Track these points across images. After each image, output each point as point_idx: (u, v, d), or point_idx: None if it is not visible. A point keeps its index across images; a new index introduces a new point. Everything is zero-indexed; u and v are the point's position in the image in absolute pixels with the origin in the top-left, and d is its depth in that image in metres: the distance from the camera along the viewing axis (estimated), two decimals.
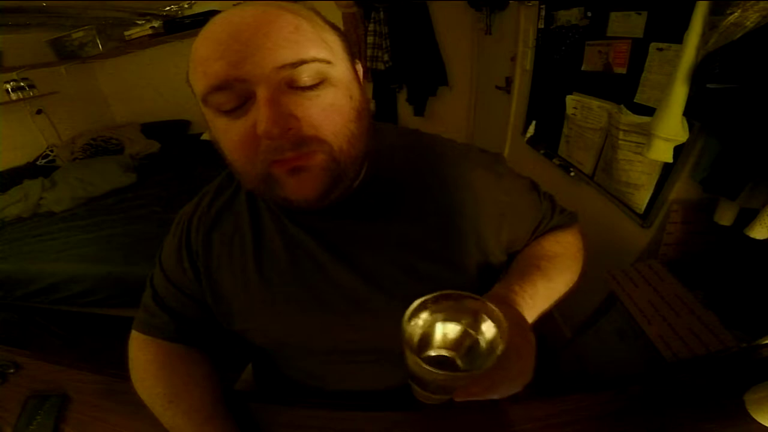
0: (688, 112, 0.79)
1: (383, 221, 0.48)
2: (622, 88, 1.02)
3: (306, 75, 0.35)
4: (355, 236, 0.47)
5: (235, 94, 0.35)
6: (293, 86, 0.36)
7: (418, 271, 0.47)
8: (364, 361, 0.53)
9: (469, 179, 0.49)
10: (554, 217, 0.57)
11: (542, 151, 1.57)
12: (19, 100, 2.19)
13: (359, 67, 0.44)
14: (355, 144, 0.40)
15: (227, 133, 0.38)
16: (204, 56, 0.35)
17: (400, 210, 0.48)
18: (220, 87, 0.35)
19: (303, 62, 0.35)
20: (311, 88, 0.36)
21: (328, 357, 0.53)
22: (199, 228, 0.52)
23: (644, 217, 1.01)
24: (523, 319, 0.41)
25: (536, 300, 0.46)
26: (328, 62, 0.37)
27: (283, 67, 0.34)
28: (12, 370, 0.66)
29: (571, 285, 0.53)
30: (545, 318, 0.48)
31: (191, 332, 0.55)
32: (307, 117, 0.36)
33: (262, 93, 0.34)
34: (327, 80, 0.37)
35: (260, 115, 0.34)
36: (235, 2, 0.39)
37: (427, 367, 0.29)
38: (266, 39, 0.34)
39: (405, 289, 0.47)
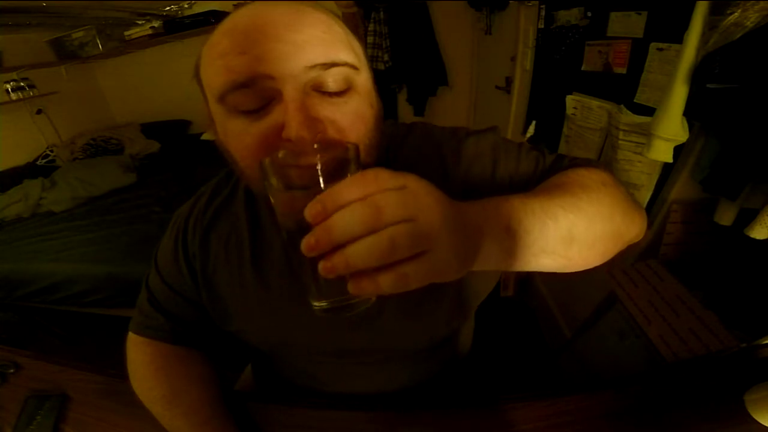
0: (688, 112, 0.79)
1: None
2: (622, 88, 1.01)
3: (333, 79, 0.34)
4: None
5: (258, 93, 0.33)
6: (320, 90, 0.34)
7: None
8: (364, 363, 0.53)
9: (459, 153, 0.46)
10: (563, 162, 0.45)
11: None
12: (19, 100, 2.19)
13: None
14: (372, 153, 0.39)
15: (242, 135, 0.35)
16: (226, 49, 0.33)
17: None
18: (244, 84, 0.32)
19: (334, 64, 0.33)
20: (338, 94, 0.35)
21: (327, 358, 0.53)
22: (196, 229, 0.52)
23: None
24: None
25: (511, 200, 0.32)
26: (356, 68, 0.36)
27: (314, 66, 0.33)
28: (12, 370, 0.66)
29: (604, 211, 0.36)
30: (545, 318, 0.46)
31: (188, 333, 0.55)
32: (332, 123, 0.34)
33: (290, 93, 0.32)
34: (353, 88, 0.36)
35: (289, 117, 0.31)
36: (235, 3, 0.38)
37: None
38: (297, 35, 0.32)
39: (418, 294, 0.46)
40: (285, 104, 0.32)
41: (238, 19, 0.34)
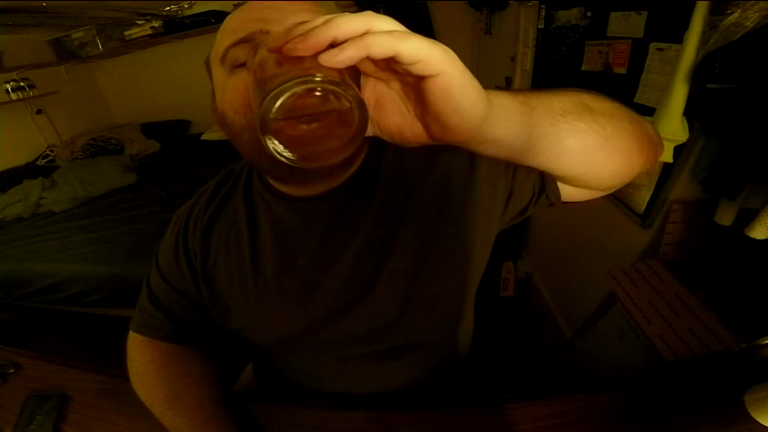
0: (688, 112, 0.79)
1: (378, 205, 0.47)
2: (622, 88, 1.01)
3: None
4: (348, 221, 0.47)
5: (255, 46, 0.36)
6: None
7: (418, 254, 0.46)
8: (362, 359, 0.53)
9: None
10: None
11: None
12: (19, 100, 2.20)
13: None
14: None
15: (236, 86, 0.38)
16: (235, 21, 0.39)
17: (394, 193, 0.47)
18: (243, 39, 0.37)
19: None
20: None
21: (325, 355, 0.53)
22: (197, 226, 0.52)
23: (644, 217, 1.01)
24: None
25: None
26: None
27: (305, 23, 0.36)
28: (12, 370, 0.66)
29: (607, 97, 0.36)
30: (545, 318, 0.46)
31: (189, 333, 0.55)
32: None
33: None
34: None
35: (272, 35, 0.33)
36: (235, 2, 0.40)
37: None
38: (293, 7, 0.39)
39: (403, 275, 0.46)
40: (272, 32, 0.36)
41: (250, 3, 0.40)
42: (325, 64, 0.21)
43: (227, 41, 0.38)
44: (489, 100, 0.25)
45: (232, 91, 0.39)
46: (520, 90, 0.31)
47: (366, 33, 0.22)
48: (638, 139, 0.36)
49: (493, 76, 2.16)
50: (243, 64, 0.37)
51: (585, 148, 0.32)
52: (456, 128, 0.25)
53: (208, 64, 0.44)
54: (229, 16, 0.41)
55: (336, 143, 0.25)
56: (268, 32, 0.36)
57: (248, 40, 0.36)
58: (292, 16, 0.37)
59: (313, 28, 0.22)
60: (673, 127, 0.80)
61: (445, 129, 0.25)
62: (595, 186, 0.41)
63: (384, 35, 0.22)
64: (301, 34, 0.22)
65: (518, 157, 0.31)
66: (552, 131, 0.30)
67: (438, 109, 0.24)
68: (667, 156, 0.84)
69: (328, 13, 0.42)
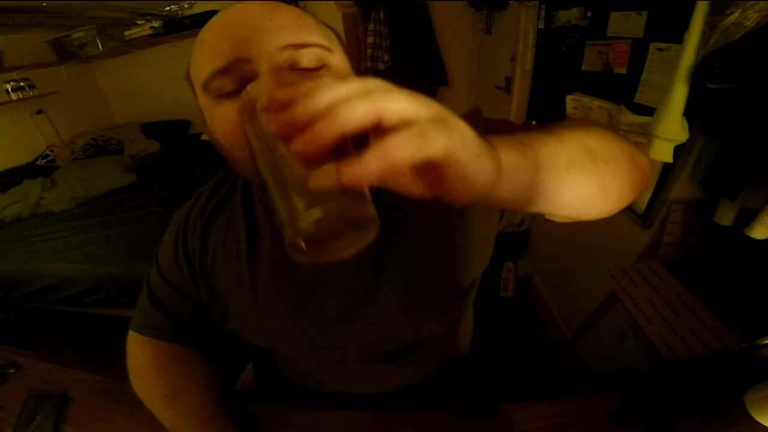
0: (688, 112, 0.79)
1: (378, 211, 0.47)
2: (622, 88, 1.01)
3: (307, 58, 0.36)
4: None
5: (238, 75, 0.35)
6: (295, 68, 0.36)
7: (416, 262, 0.46)
8: (362, 361, 0.53)
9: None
10: None
11: None
12: (19, 100, 2.20)
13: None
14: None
15: (225, 117, 0.36)
16: (211, 41, 0.37)
17: (395, 199, 0.47)
18: (224, 69, 0.35)
19: (305, 45, 0.36)
20: (312, 70, 0.37)
21: (323, 357, 0.53)
22: (196, 226, 0.52)
23: (644, 217, 1.01)
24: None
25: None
26: (329, 49, 0.38)
27: (287, 47, 0.35)
28: (12, 370, 0.66)
29: (604, 131, 0.36)
30: (545, 318, 0.46)
31: (188, 332, 0.55)
32: None
33: (265, 70, 0.34)
34: (328, 66, 0.38)
35: (261, 88, 0.30)
36: (234, 2, 0.40)
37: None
38: (270, 23, 0.36)
39: (401, 283, 0.46)
40: (260, 78, 0.34)
41: (222, 14, 0.38)
42: (347, 182, 0.19)
43: (207, 67, 0.36)
44: (499, 163, 0.24)
45: (221, 122, 0.37)
46: (531, 132, 0.30)
47: (378, 119, 0.19)
48: (634, 180, 0.37)
49: (493, 76, 2.17)
50: (228, 94, 0.36)
51: (581, 199, 0.32)
52: (460, 195, 0.23)
53: (189, 80, 0.42)
54: (202, 31, 0.38)
55: (348, 243, 0.25)
56: (248, 60, 0.34)
57: (230, 70, 0.35)
58: (272, 35, 0.35)
59: (317, 120, 0.19)
60: (673, 127, 0.80)
61: (447, 195, 0.23)
62: (581, 219, 0.40)
63: (404, 138, 0.19)
64: (302, 118, 0.20)
65: (511, 209, 0.30)
66: (553, 186, 0.29)
67: (445, 183, 0.22)
68: (667, 156, 0.84)
69: (318, 17, 0.41)
